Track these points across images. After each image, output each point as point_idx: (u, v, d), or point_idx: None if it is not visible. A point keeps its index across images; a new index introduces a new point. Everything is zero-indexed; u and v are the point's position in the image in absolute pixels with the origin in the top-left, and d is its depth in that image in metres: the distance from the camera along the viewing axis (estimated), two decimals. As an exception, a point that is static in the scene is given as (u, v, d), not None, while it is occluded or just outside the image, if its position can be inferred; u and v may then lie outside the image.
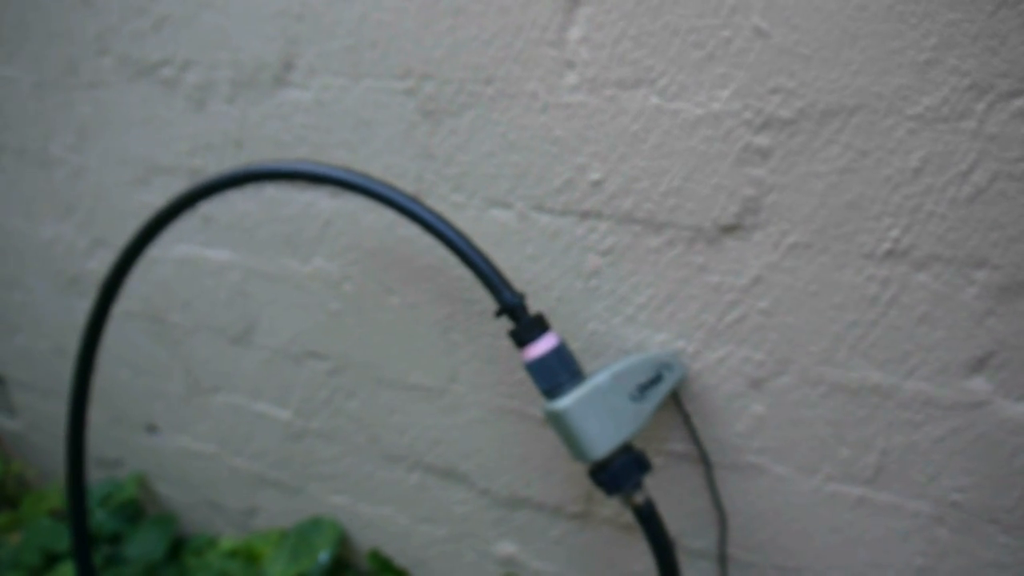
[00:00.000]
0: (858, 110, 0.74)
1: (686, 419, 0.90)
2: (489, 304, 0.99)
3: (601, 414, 0.80)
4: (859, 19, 0.72)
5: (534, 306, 0.94)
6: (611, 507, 1.01)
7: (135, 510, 1.56)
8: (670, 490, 0.95)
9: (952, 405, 0.77)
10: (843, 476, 0.85)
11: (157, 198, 1.29)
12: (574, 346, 0.94)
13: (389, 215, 1.05)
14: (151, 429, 1.53)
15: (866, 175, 0.75)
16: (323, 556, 1.27)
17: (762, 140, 0.79)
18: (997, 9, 0.67)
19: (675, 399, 0.89)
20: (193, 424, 1.45)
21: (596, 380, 0.81)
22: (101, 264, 1.43)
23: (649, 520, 0.85)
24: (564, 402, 0.79)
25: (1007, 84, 0.68)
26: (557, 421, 0.81)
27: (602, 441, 0.80)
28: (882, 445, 0.82)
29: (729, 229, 0.83)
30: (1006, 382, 0.75)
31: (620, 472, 0.81)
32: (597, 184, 0.88)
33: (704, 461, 0.91)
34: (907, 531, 0.83)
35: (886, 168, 0.74)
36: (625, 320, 0.91)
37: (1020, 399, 0.74)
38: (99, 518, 1.51)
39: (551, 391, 0.81)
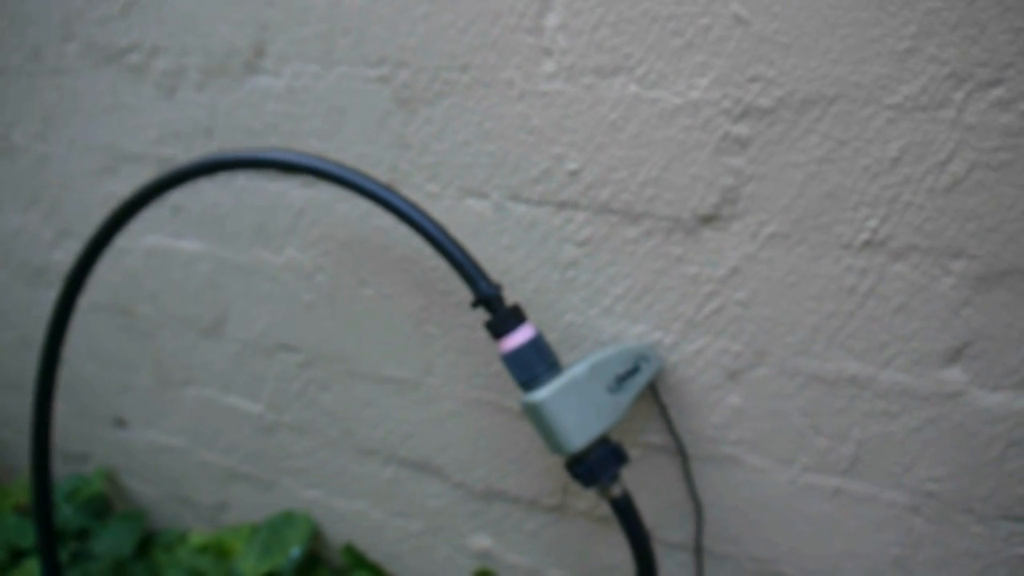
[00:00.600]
0: (837, 99, 0.74)
1: (663, 411, 0.89)
2: (464, 295, 0.98)
3: (578, 406, 0.79)
4: (838, 7, 0.72)
5: (510, 297, 0.93)
6: (587, 499, 1.01)
7: (102, 505, 1.53)
8: (647, 482, 0.94)
9: (928, 395, 0.77)
10: (819, 467, 0.84)
11: (125, 187, 1.26)
12: (551, 337, 0.93)
13: (363, 205, 1.03)
14: (119, 423, 1.51)
15: (844, 165, 0.75)
16: (295, 551, 1.26)
17: (741, 129, 0.78)
18: (976, -1, 0.67)
19: (652, 391, 0.88)
20: (162, 418, 1.43)
21: (573, 372, 0.80)
22: (67, 255, 1.40)
23: (626, 512, 0.84)
24: (541, 394, 0.78)
25: (986, 73, 0.68)
26: (534, 413, 0.80)
27: (579, 433, 0.79)
28: (858, 436, 0.81)
29: (707, 219, 0.82)
30: (981, 372, 0.75)
31: (597, 464, 0.81)
32: (574, 174, 0.87)
33: (681, 453, 0.90)
34: (883, 521, 0.83)
35: (864, 158, 0.74)
36: (602, 311, 0.90)
37: (995, 389, 0.75)
38: (65, 513, 1.48)
39: (528, 383, 0.80)
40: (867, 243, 0.76)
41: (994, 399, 0.75)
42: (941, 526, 0.81)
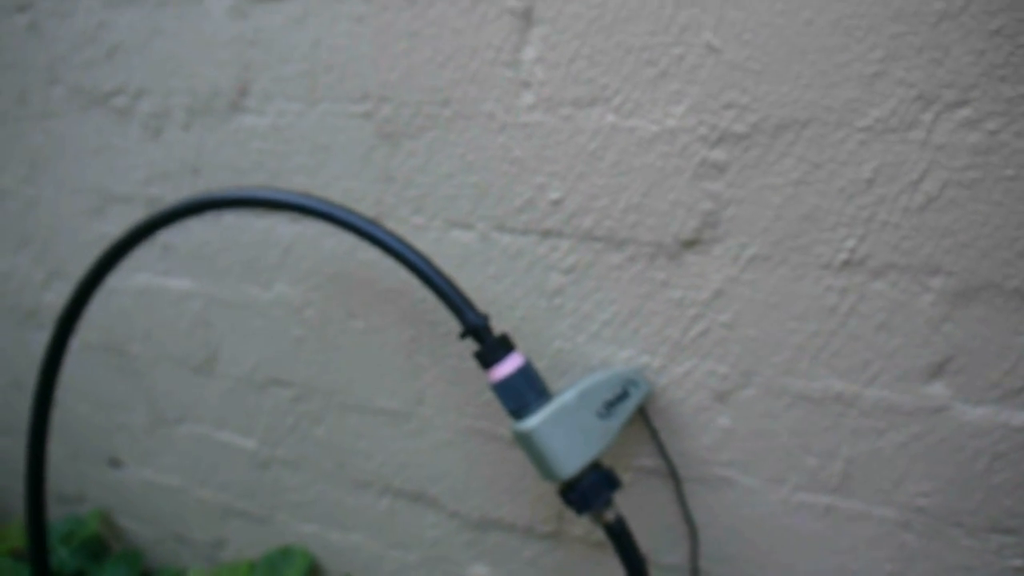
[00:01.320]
0: (810, 123, 0.75)
1: (654, 434, 0.90)
2: (453, 325, 0.99)
3: (569, 432, 0.80)
4: (807, 34, 0.73)
5: (499, 326, 0.94)
6: (582, 525, 1.01)
7: (99, 547, 1.53)
8: (641, 506, 0.95)
9: (913, 411, 0.78)
10: (810, 485, 0.85)
11: (114, 228, 1.27)
12: (540, 365, 0.94)
13: (350, 239, 1.04)
14: (113, 463, 1.50)
15: (820, 187, 0.76)
16: (293, 586, 1.25)
17: (718, 155, 0.80)
18: (939, 21, 0.69)
19: (642, 414, 0.89)
20: (157, 456, 1.43)
21: (563, 399, 0.81)
22: (58, 296, 1.40)
23: (620, 537, 0.84)
24: (531, 422, 0.79)
25: (952, 94, 0.70)
26: (525, 441, 0.80)
27: (571, 460, 0.80)
28: (847, 453, 0.82)
29: (689, 244, 0.83)
30: (964, 387, 0.76)
31: (590, 490, 0.81)
32: (557, 203, 0.88)
33: (673, 475, 0.91)
34: (875, 538, 0.84)
35: (839, 179, 0.75)
36: (590, 337, 0.91)
37: (978, 403, 0.76)
38: (61, 556, 1.47)
39: (518, 411, 0.81)
40: (846, 263, 0.77)
41: (977, 413, 0.76)
42: (932, 541, 0.81)
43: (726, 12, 0.76)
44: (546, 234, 0.90)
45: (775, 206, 0.79)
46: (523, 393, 0.81)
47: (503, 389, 0.81)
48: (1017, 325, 0.72)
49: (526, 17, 0.86)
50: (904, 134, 0.72)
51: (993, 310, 0.73)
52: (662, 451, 0.90)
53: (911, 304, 0.76)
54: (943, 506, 0.80)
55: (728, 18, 0.76)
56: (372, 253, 1.02)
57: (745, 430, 0.86)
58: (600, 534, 1.00)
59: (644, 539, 0.95)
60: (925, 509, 0.81)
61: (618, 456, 0.94)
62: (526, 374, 0.81)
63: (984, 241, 0.72)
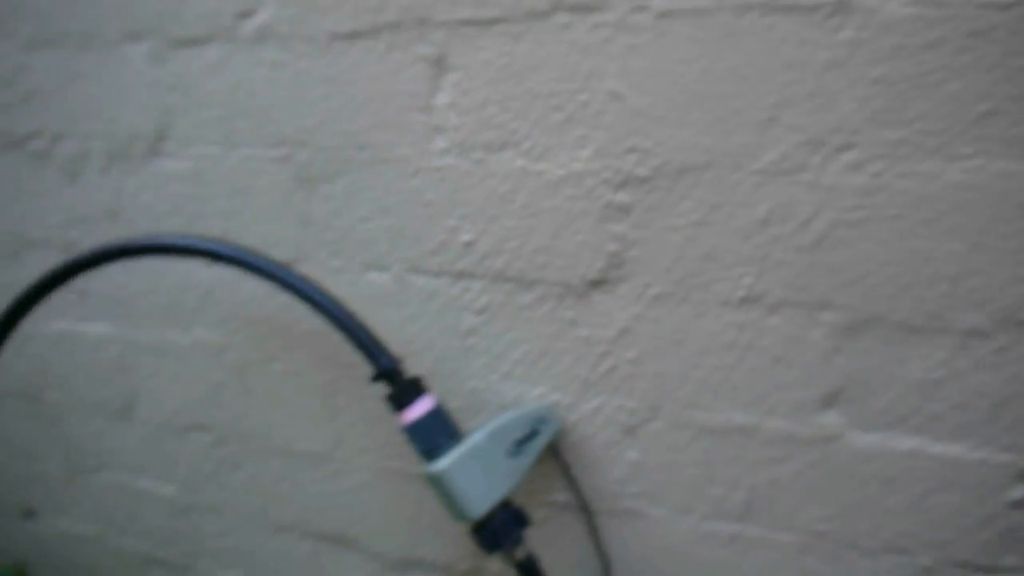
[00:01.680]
0: (708, 167, 0.79)
1: (566, 470, 0.92)
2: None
3: (479, 473, 0.81)
4: (704, 81, 0.78)
5: (415, 367, 0.96)
6: (500, 562, 1.02)
7: (12, 601, 1.48)
8: (556, 541, 0.96)
9: (809, 440, 0.82)
10: (716, 514, 0.88)
11: (30, 273, 1.25)
12: (454, 404, 0.96)
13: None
14: (28, 514, 1.46)
15: (719, 227, 0.80)
16: (213, 635, 1.23)
17: (622, 197, 0.83)
18: (826, 70, 0.73)
19: (554, 451, 0.91)
20: (74, 506, 1.40)
21: (473, 440, 0.82)
22: (-30, 344, 1.37)
23: (531, 574, 0.86)
24: (441, 464, 0.80)
25: (838, 139, 0.74)
26: (436, 483, 0.81)
27: (480, 500, 0.81)
28: (749, 482, 0.85)
29: (596, 284, 0.86)
30: (856, 415, 0.80)
31: (499, 529, 0.83)
32: (469, 245, 0.91)
33: (585, 509, 0.93)
34: (778, 563, 0.87)
35: (736, 220, 0.79)
36: (503, 376, 0.93)
37: (868, 430, 0.79)
38: (-28, 613, 1.43)
39: (429, 453, 0.82)
40: (744, 299, 0.81)
41: (869, 439, 0.80)
42: (831, 564, 0.84)
43: (628, 61, 0.80)
44: (459, 275, 0.92)
45: (677, 246, 0.82)
46: (434, 435, 0.82)
47: (414, 431, 0.82)
48: (902, 355, 0.77)
49: (439, 64, 0.89)
50: (795, 176, 0.76)
51: (880, 342, 0.77)
52: (574, 486, 0.92)
53: (804, 338, 0.80)
54: (840, 530, 0.83)
55: (630, 66, 0.80)
56: (290, 297, 1.03)
57: (653, 463, 0.89)
58: (519, 570, 1.01)
59: (560, 573, 0.96)
60: (824, 533, 0.84)
61: (532, 492, 0.95)
62: (437, 416, 0.83)
63: (871, 277, 0.76)
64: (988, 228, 0.72)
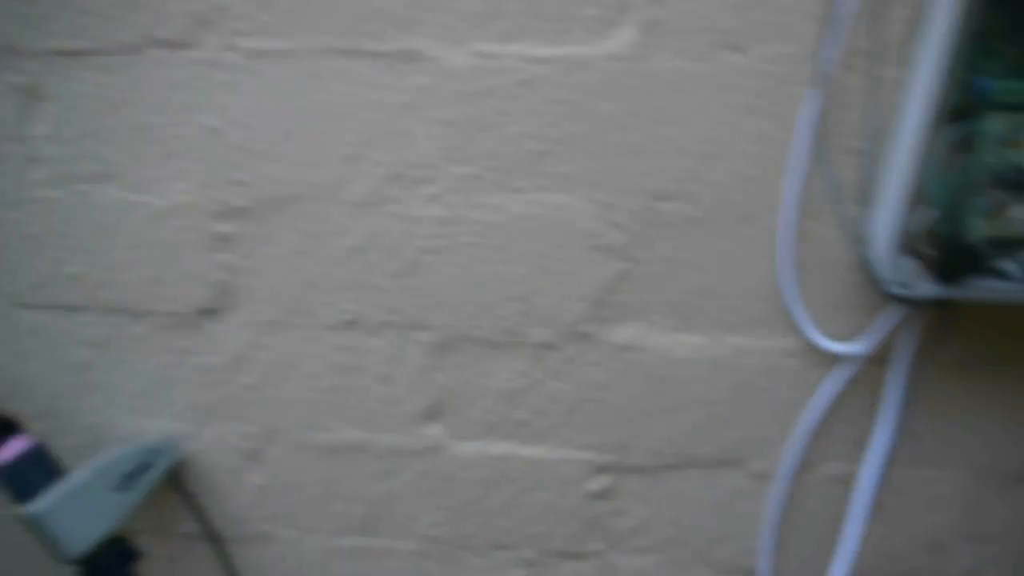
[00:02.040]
0: (303, 198, 0.82)
1: (191, 499, 0.92)
2: (-14, 407, 0.95)
3: (79, 512, 0.79)
4: (295, 118, 0.80)
5: (26, 405, 0.91)
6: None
7: None
8: (191, 571, 0.96)
9: (417, 452, 0.87)
10: (341, 530, 0.91)
11: None
12: (70, 441, 0.93)
13: None
14: None
15: (318, 256, 0.83)
16: None
17: (226, 228, 0.84)
18: (403, 111, 0.78)
19: (176, 482, 0.91)
20: None
21: (73, 479, 0.80)
22: None
23: (153, 606, 0.85)
24: (35, 506, 0.78)
25: (417, 173, 0.80)
26: (31, 526, 0.78)
27: (81, 539, 0.79)
28: (367, 496, 0.90)
29: (207, 312, 0.87)
30: (455, 426, 0.86)
31: (106, 567, 0.81)
32: (76, 277, 0.88)
33: (214, 538, 0.93)
34: (401, 569, 0.92)
35: (333, 249, 0.83)
36: (122, 409, 0.91)
37: (467, 439, 0.86)
38: None
39: (24, 495, 0.79)
40: (347, 323, 0.85)
41: (468, 448, 0.86)
42: (448, 565, 0.91)
43: (223, 97, 0.81)
44: (69, 309, 0.89)
45: (282, 274, 0.84)
46: (29, 477, 0.79)
47: (6, 475, 0.79)
48: (488, 369, 0.84)
49: (32, 94, 0.85)
50: (382, 208, 0.81)
51: (469, 357, 0.84)
52: (201, 515, 0.92)
53: (404, 357, 0.85)
54: (452, 533, 0.90)
55: (225, 102, 0.81)
56: None
57: (278, 485, 0.91)
58: (162, 603, 1.00)
59: (199, 602, 0.96)
60: (438, 538, 0.90)
61: (160, 526, 0.94)
62: (34, 457, 0.80)
63: (455, 299, 0.82)
64: (548, 253, 0.80)
